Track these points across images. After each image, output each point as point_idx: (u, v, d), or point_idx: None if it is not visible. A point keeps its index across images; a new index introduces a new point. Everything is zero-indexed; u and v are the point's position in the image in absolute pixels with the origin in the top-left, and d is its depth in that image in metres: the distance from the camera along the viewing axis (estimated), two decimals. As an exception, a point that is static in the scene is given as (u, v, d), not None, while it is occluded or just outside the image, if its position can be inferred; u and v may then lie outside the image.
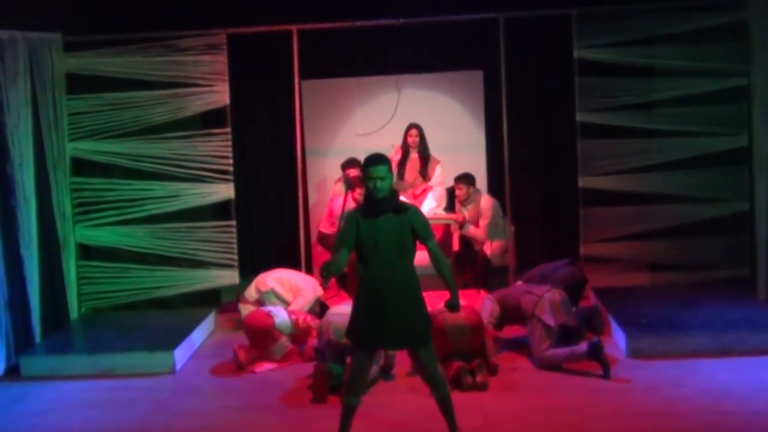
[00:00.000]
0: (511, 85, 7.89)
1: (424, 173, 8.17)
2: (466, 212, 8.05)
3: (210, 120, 7.81)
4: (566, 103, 7.98)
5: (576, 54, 7.61)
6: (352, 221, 4.61)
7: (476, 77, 8.97)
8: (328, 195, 8.83)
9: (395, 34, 8.56)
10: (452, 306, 4.68)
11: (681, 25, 7.49)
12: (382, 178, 4.53)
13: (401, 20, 7.90)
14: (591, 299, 7.41)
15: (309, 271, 8.01)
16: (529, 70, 8.88)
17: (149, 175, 7.70)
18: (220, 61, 7.68)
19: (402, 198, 4.88)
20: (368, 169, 4.57)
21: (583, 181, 7.70)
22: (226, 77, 7.69)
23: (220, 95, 7.70)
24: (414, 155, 8.17)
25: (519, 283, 6.92)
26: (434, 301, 5.20)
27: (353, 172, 7.78)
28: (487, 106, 8.91)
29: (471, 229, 8.00)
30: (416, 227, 4.60)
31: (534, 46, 8.78)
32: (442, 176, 8.22)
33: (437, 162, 8.22)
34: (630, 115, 7.64)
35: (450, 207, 8.27)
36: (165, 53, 7.69)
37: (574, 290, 6.63)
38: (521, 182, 8.45)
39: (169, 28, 7.78)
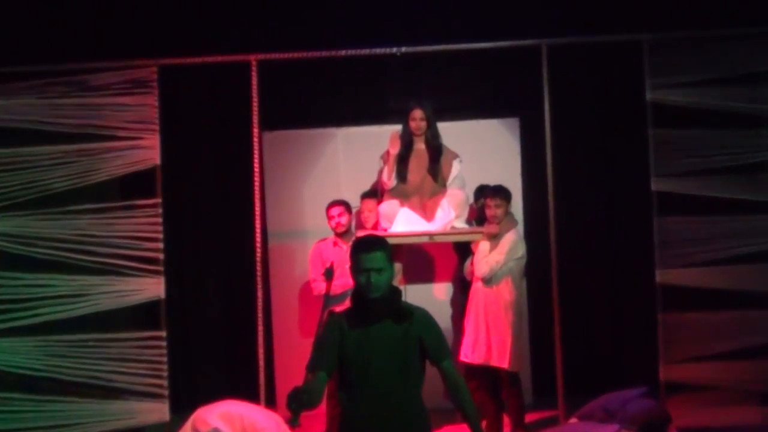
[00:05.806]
0: (557, 139, 7.91)
1: (435, 171, 7.92)
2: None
3: (132, 187, 7.90)
4: (635, 164, 8.16)
5: (649, 96, 7.68)
6: (333, 330, 4.61)
7: (510, 127, 9.15)
8: (295, 293, 8.94)
9: (394, 68, 8.82)
10: (475, 454, 4.65)
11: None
12: (378, 270, 4.54)
13: (402, 49, 7.88)
14: (677, 445, 7.31)
15: (271, 404, 8.07)
16: (581, 119, 9.15)
17: (44, 265, 7.58)
18: (149, 104, 7.76)
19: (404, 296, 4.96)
20: (359, 258, 4.57)
21: (661, 276, 7.66)
22: (157, 127, 7.75)
23: (147, 152, 7.76)
24: (420, 146, 7.97)
25: (573, 420, 7.01)
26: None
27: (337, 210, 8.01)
28: (524, 165, 9.07)
29: (484, 247, 7.67)
30: (426, 341, 4.60)
31: (588, 86, 9.15)
32: (462, 176, 8.02)
33: (454, 155, 8.00)
34: (724, 183, 7.66)
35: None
36: (71, 93, 7.74)
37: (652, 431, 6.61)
38: (573, 274, 8.61)
39: (78, 59, 7.81)
